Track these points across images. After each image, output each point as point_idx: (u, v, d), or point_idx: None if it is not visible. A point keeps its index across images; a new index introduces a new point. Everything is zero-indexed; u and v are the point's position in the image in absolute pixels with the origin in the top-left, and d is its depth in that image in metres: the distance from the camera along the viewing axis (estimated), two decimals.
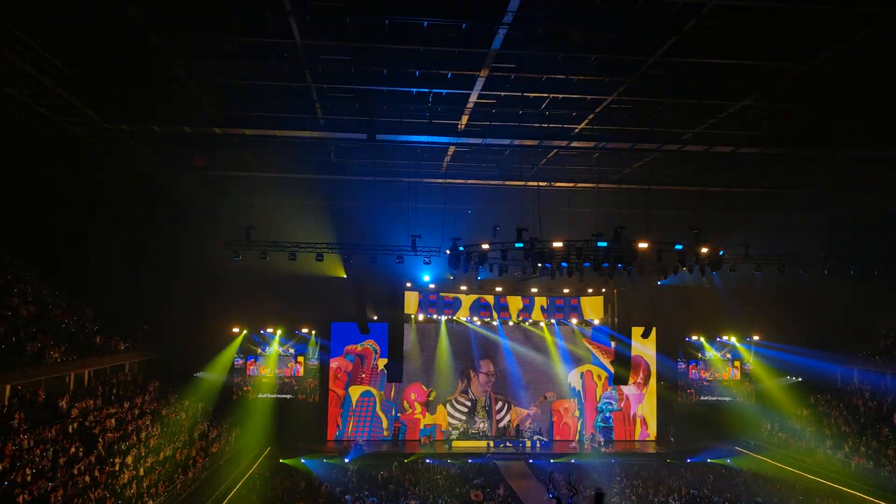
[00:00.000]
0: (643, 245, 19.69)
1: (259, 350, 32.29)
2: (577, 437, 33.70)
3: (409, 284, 31.88)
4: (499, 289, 32.55)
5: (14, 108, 17.62)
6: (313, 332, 32.63)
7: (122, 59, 16.23)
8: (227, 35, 15.08)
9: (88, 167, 23.12)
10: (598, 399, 34.64)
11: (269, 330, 32.15)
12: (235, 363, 31.87)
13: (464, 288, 32.77)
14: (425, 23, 14.30)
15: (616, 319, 34.17)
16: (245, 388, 31.88)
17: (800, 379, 33.06)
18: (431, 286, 32.26)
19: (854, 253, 28.25)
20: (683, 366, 34.46)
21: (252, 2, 13.71)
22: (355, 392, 33.19)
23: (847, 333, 31.57)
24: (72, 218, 24.44)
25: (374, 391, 33.29)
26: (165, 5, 13.89)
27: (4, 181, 21.65)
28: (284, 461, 28.99)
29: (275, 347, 32.33)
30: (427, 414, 33.57)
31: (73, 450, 19.23)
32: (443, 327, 34.11)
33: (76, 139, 20.34)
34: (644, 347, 34.42)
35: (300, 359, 32.51)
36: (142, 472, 20.71)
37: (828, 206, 28.42)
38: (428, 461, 29.77)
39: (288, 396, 32.10)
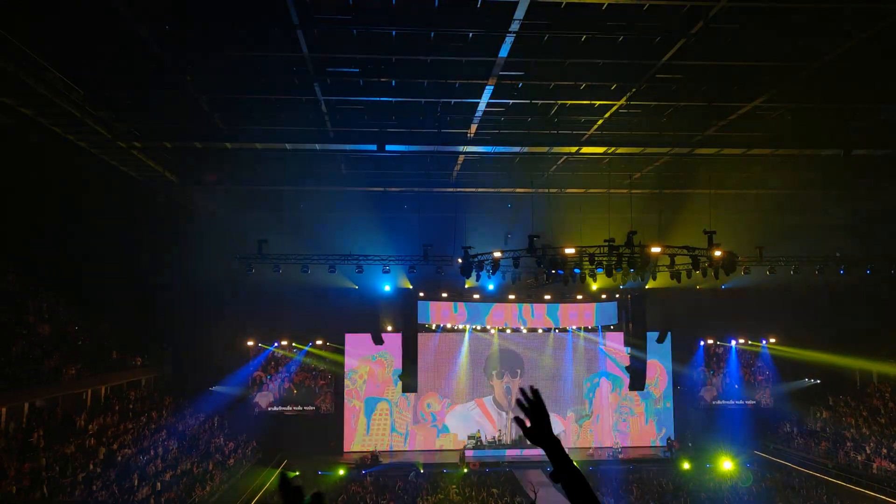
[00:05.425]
0: (656, 249, 19.61)
1: (273, 362, 32.37)
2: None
3: (422, 294, 31.85)
4: (511, 297, 32.44)
5: (28, 128, 17.83)
6: (327, 343, 32.66)
7: (133, 77, 16.41)
8: (236, 51, 15.20)
9: (102, 184, 23.35)
10: (614, 405, 34.45)
11: (284, 342, 32.18)
12: (251, 376, 31.93)
13: (476, 297, 32.67)
14: (432, 33, 14.34)
15: (630, 325, 33.92)
16: (260, 400, 31.94)
17: (818, 381, 32.74)
18: (444, 295, 32.19)
19: (869, 252, 27.97)
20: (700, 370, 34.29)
21: (259, 16, 13.80)
22: (371, 403, 33.20)
23: (864, 333, 31.21)
24: (86, 235, 24.64)
25: (389, 401, 33.25)
26: (175, 24, 14.03)
27: (19, 200, 21.89)
28: (299, 473, 28.93)
29: (289, 359, 32.37)
30: (442, 423, 33.49)
31: (91, 466, 19.32)
32: (456, 336, 34.04)
33: (90, 157, 20.55)
34: (659, 352, 34.23)
35: (316, 370, 32.54)
36: (159, 486, 20.77)
37: (841, 205, 28.15)
38: (444, 471, 29.65)
39: (303, 408, 32.11)
